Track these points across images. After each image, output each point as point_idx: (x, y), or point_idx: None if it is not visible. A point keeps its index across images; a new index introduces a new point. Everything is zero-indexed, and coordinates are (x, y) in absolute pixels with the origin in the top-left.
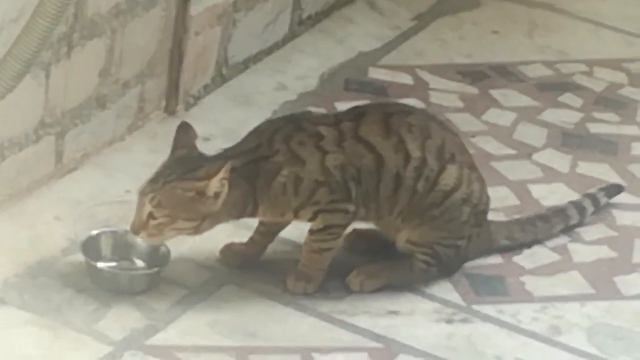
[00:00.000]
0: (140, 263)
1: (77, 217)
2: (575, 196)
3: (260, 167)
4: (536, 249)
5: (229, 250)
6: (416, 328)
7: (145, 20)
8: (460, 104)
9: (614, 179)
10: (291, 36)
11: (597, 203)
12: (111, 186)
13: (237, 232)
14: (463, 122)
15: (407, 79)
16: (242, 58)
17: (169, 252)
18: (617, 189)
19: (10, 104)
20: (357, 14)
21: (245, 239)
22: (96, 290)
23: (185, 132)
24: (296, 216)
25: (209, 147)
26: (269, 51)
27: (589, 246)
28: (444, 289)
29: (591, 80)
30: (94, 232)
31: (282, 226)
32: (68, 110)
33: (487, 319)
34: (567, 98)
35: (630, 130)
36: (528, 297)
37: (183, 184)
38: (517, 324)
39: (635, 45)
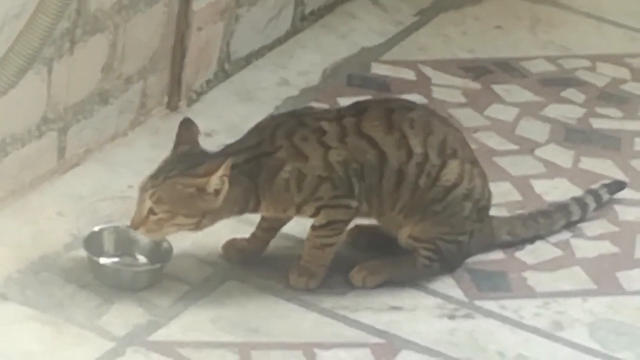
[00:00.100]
0: (142, 259)
1: (80, 212)
2: (577, 191)
3: (262, 163)
4: (538, 244)
5: (231, 246)
6: (418, 323)
7: (148, 15)
8: (463, 99)
9: (617, 174)
10: (293, 31)
11: (599, 199)
12: (113, 181)
13: (239, 227)
14: (465, 117)
15: (409, 74)
16: (245, 53)
17: (171, 247)
18: (619, 185)
19: (12, 100)
20: (359, 9)
21: (247, 235)
22: (98, 286)
23: (187, 127)
24: (298, 212)
25: (211, 143)
26: (271, 46)
27: (591, 241)
28: (446, 285)
29: (594, 75)
30: (96, 228)
31: (284, 221)
32: (70, 105)
33: (489, 314)
34: (570, 93)
35: (632, 125)
36: (530, 293)
37: (183, 180)
38: (519, 319)
39: (637, 41)
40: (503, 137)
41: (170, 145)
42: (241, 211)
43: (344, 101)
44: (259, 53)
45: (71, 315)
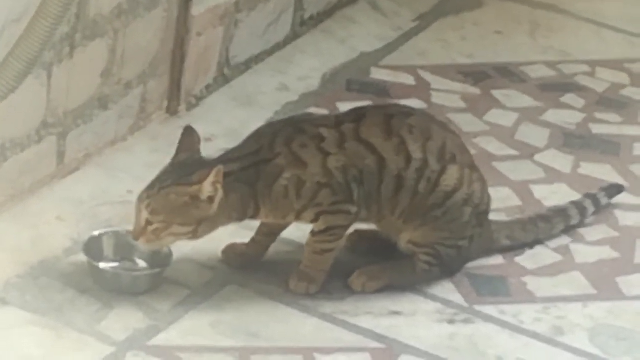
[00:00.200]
0: (142, 263)
1: (79, 217)
2: (577, 196)
3: (260, 170)
4: (538, 249)
5: (231, 251)
6: (418, 328)
7: (147, 20)
8: (462, 104)
9: (616, 179)
10: (293, 36)
11: (597, 203)
12: (113, 186)
13: (239, 232)
14: (465, 122)
15: (408, 79)
16: (244, 58)
17: (171, 252)
18: (617, 189)
19: (12, 104)
20: (358, 14)
21: (247, 239)
22: (98, 291)
23: (188, 136)
24: (298, 218)
25: (210, 148)
26: (270, 51)
27: (590, 246)
28: (446, 289)
29: (593, 80)
30: (96, 232)
31: (284, 227)
32: (70, 110)
33: (488, 319)
34: (569, 98)
35: (632, 130)
36: (530, 298)
37: (177, 189)
38: (519, 324)
39: (637, 46)
40: (502, 142)
41: (170, 150)
42: (240, 218)
43: (344, 106)
44: (258, 58)
45: (71, 320)
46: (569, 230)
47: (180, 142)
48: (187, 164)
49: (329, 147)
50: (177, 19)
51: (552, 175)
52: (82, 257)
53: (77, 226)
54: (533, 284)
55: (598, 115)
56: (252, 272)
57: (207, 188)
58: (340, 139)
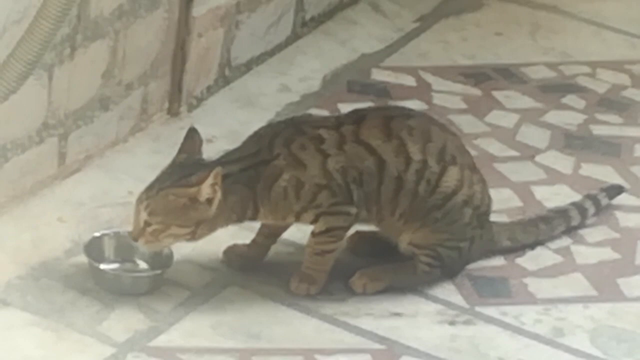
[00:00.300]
0: (143, 264)
1: (80, 218)
2: (578, 198)
3: (260, 171)
4: (539, 250)
5: (232, 252)
6: (419, 329)
7: (148, 21)
8: (463, 106)
9: (617, 180)
10: (294, 37)
11: (597, 204)
12: (114, 187)
13: (240, 233)
14: (466, 123)
15: (409, 81)
16: (245, 59)
17: (171, 253)
18: (617, 190)
19: (13, 105)
20: (359, 16)
21: (247, 241)
22: (99, 292)
23: (190, 137)
24: (297, 219)
25: (211, 149)
26: (271, 52)
27: (591, 248)
28: (447, 291)
29: (594, 81)
30: (97, 234)
31: (285, 228)
32: (71, 111)
33: (489, 320)
34: (570, 99)
35: (632, 131)
36: (531, 299)
37: (175, 190)
38: (520, 325)
39: (637, 47)
40: (503, 144)
41: (171, 151)
42: (239, 219)
43: (345, 107)
44: (259, 59)
45: (72, 321)
46: (569, 231)
47: (182, 144)
48: (186, 165)
49: (329, 149)
50: (178, 20)
51: (553, 177)
52: (83, 258)
53: (78, 227)
54: (534, 285)
55: (599, 117)
56: (253, 273)
57: (205, 190)
58: (339, 140)
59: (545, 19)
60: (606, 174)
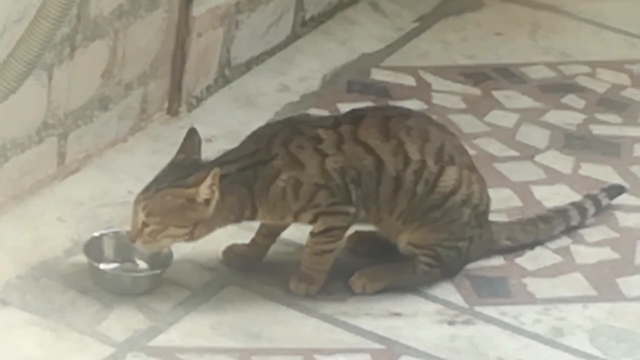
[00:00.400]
0: (142, 264)
1: (80, 218)
2: (577, 197)
3: (258, 171)
4: (538, 250)
5: (231, 252)
6: (418, 329)
7: (148, 21)
8: (463, 105)
9: (617, 180)
10: (293, 37)
11: (598, 204)
12: (113, 187)
13: (239, 233)
14: (465, 123)
15: (409, 80)
16: (245, 59)
17: (171, 253)
18: (618, 190)
19: (12, 105)
20: (359, 15)
21: (247, 240)
22: (98, 292)
23: (190, 138)
24: (296, 219)
25: (211, 148)
26: (271, 52)
27: (591, 247)
28: (446, 291)
29: (594, 81)
30: (96, 233)
31: (284, 228)
32: (70, 111)
33: (489, 320)
34: (570, 99)
35: (632, 131)
36: (530, 299)
37: (173, 191)
38: (520, 325)
39: (637, 47)
40: (503, 143)
41: (171, 151)
42: (237, 219)
43: (344, 107)
44: (259, 59)
45: (71, 321)
46: (569, 231)
47: (182, 143)
48: (184, 165)
49: (327, 148)
50: (177, 20)
51: (552, 176)
52: (82, 258)
53: (77, 227)
54: (533, 285)
55: (598, 116)
56: (252, 273)
57: (203, 191)
58: (338, 140)
59: (545, 19)
60: (606, 173)
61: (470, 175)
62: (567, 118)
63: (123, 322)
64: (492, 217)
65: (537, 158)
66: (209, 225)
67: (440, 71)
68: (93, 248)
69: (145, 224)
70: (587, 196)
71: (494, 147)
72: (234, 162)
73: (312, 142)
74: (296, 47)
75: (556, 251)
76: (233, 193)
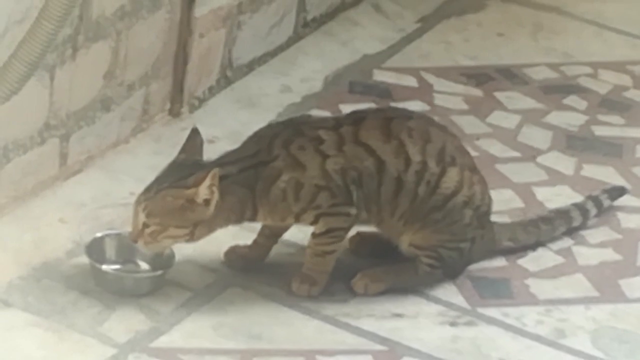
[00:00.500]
0: (144, 265)
1: (81, 219)
2: (579, 199)
3: (259, 172)
4: (540, 251)
5: (233, 253)
6: (420, 331)
7: (150, 22)
8: (465, 106)
9: (619, 181)
10: (295, 38)
11: (599, 205)
12: (115, 188)
13: (241, 234)
14: (467, 124)
15: (411, 81)
16: (247, 60)
17: (173, 254)
18: (619, 191)
19: (14, 106)
20: (361, 16)
21: (248, 241)
22: (100, 293)
23: (192, 139)
24: (297, 220)
25: (213, 149)
26: (273, 53)
27: (593, 249)
28: (448, 292)
29: (595, 82)
30: (98, 234)
31: (286, 229)
32: (72, 112)
33: (491, 321)
34: (572, 100)
35: (634, 132)
36: (532, 300)
37: (172, 192)
38: (522, 326)
39: (639, 48)
40: (505, 145)
41: (173, 152)
42: (238, 220)
43: (346, 108)
44: (261, 60)
45: (73, 322)
46: (571, 232)
47: (184, 144)
48: (184, 166)
49: (328, 149)
50: (179, 21)
51: (554, 177)
52: (84, 259)
53: (79, 228)
54: (535, 286)
55: (600, 117)
56: (254, 274)
57: (203, 191)
58: (339, 141)
59: (547, 20)
60: (608, 175)
61: (472, 176)
62: (569, 119)
63: (125, 323)
64: (494, 218)
65: (539, 159)
66: (210, 226)
67: (442, 72)
68: (95, 249)
69: (145, 225)
70: (589, 197)
71: (496, 148)
72: (235, 163)
73: (313, 143)
74: (298, 48)
75: (558, 252)
76: (234, 194)
